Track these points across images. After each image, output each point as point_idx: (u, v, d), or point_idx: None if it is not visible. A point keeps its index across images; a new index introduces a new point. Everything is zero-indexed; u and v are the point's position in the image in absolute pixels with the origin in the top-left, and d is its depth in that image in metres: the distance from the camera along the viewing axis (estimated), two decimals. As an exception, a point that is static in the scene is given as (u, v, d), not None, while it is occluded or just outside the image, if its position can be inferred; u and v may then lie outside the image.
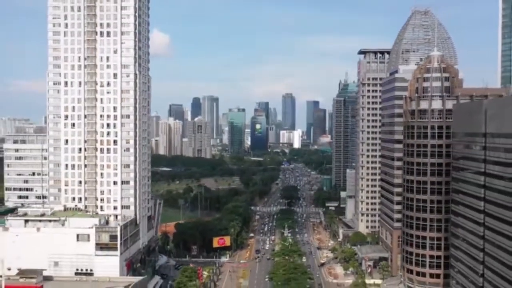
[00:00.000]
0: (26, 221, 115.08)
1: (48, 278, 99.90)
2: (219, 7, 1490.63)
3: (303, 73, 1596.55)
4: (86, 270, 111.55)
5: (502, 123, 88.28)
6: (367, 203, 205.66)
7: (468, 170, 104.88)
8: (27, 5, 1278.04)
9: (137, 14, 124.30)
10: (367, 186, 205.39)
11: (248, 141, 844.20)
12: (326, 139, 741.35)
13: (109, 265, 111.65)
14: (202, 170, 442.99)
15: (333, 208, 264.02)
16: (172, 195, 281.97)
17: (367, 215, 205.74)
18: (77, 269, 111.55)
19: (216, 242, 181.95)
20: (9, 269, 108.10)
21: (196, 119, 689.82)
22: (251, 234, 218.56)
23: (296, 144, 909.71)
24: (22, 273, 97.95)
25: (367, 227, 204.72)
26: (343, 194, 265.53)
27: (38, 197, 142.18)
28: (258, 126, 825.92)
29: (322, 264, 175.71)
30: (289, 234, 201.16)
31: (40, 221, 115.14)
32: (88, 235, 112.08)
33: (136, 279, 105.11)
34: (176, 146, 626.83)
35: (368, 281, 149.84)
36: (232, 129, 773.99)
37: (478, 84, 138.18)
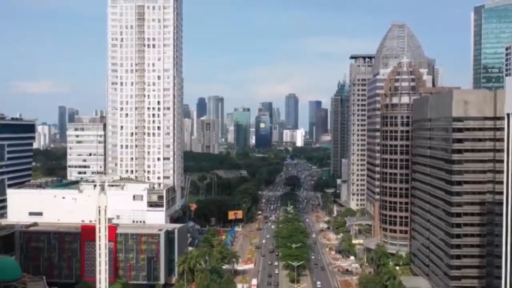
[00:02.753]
0: (95, 186, 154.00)
1: (117, 224, 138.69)
2: (223, 10, 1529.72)
3: (306, 74, 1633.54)
4: (140, 221, 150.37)
5: (438, 111, 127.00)
6: (357, 185, 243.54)
7: (420, 147, 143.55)
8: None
9: (174, 31, 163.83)
10: (357, 170, 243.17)
11: (252, 140, 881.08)
12: (327, 137, 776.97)
13: (157, 217, 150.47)
14: (211, 164, 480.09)
15: (330, 192, 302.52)
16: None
17: (357, 194, 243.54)
18: (133, 221, 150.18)
19: (231, 215, 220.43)
20: (82, 221, 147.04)
21: (203, 117, 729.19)
22: (259, 212, 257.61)
23: (299, 143, 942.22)
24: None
25: (357, 204, 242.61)
26: (339, 181, 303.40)
27: (93, 172, 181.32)
28: (262, 125, 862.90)
29: (321, 231, 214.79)
30: (291, 207, 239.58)
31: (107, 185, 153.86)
32: (142, 196, 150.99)
33: (179, 225, 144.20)
34: (186, 142, 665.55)
35: (354, 241, 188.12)
36: (237, 128, 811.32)
37: (457, 83, 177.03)
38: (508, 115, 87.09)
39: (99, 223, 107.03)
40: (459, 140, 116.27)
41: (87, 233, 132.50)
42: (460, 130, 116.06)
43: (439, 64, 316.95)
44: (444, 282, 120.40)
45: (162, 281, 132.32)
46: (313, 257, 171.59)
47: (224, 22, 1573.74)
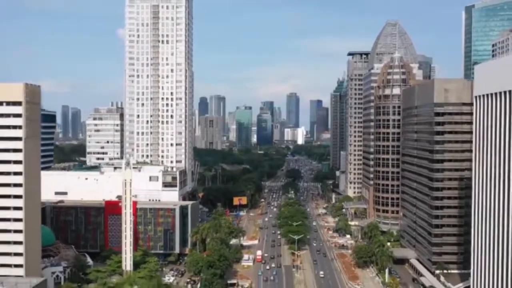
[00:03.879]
0: (115, 168, 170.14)
1: (136, 200, 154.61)
2: (224, 10, 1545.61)
3: (307, 73, 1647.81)
4: (155, 199, 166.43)
5: (422, 99, 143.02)
6: (354, 174, 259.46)
7: (408, 132, 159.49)
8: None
9: (186, 28, 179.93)
10: (354, 160, 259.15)
11: (254, 138, 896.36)
12: (327, 135, 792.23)
13: (171, 196, 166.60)
14: (215, 159, 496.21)
15: (329, 183, 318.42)
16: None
17: (354, 183, 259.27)
18: (149, 199, 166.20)
19: (236, 201, 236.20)
20: (103, 199, 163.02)
21: (206, 115, 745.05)
22: (262, 200, 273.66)
23: (300, 141, 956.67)
24: (119, 197, 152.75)
25: (354, 192, 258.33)
26: (337, 173, 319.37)
27: (110, 158, 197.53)
28: (263, 124, 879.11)
29: (320, 215, 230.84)
30: (292, 192, 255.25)
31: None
32: (157, 177, 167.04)
33: (192, 202, 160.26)
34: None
35: (350, 223, 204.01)
36: (239, 126, 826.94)
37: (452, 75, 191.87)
38: (476, 97, 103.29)
39: (125, 194, 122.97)
40: (440, 123, 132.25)
41: (111, 207, 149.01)
42: (441, 114, 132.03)
43: (435, 62, 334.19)
44: (428, 249, 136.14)
45: (177, 250, 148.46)
46: (312, 237, 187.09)
47: (225, 22, 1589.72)
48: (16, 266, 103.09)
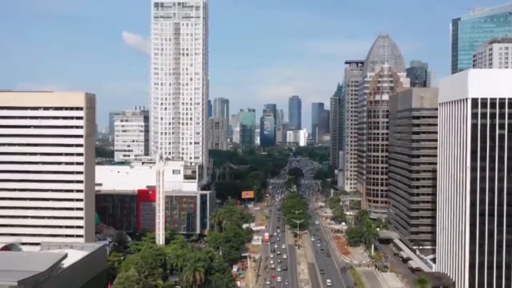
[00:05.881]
0: (143, 163, 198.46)
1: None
2: (228, 12, 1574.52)
3: (309, 76, 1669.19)
4: (178, 189, 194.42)
5: (403, 104, 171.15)
6: (351, 171, 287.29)
7: (394, 132, 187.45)
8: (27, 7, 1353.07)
9: (203, 43, 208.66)
10: (351, 158, 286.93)
11: (257, 140, 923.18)
12: (328, 137, 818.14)
13: (190, 187, 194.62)
14: (221, 159, 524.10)
15: (329, 180, 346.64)
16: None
17: (351, 179, 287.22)
18: (172, 189, 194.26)
19: (244, 194, 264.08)
20: (133, 189, 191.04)
21: (211, 117, 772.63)
22: (267, 194, 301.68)
23: (302, 143, 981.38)
24: (148, 187, 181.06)
25: (350, 187, 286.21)
26: (336, 171, 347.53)
27: (136, 155, 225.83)
28: (266, 126, 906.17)
29: (319, 207, 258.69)
30: (294, 186, 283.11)
31: (150, 163, 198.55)
32: (179, 170, 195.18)
33: (209, 191, 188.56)
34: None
35: (346, 213, 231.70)
36: (243, 128, 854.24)
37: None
38: (439, 104, 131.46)
39: (158, 182, 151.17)
40: (417, 125, 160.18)
41: (142, 195, 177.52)
42: (417, 117, 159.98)
43: (430, 68, 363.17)
44: (407, 230, 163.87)
45: (197, 231, 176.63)
46: (312, 224, 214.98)
47: (228, 25, 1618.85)
48: (77, 236, 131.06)
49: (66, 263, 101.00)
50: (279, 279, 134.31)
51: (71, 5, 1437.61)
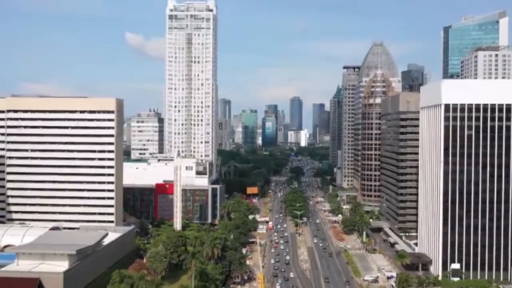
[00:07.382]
0: (158, 160, 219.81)
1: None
2: (229, 13, 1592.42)
3: (310, 77, 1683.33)
4: (190, 184, 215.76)
5: (392, 107, 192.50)
6: (348, 169, 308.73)
7: (385, 133, 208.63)
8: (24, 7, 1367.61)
9: (213, 52, 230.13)
10: (348, 157, 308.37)
11: (259, 140, 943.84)
12: (329, 137, 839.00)
13: (202, 182, 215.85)
14: (224, 159, 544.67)
15: (328, 178, 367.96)
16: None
17: (348, 176, 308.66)
18: (185, 184, 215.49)
19: (248, 190, 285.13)
20: (150, 184, 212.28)
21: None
22: (270, 191, 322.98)
23: (303, 143, 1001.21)
24: (165, 181, 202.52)
25: (347, 184, 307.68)
26: (335, 169, 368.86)
27: (150, 153, 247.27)
28: (268, 126, 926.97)
29: (318, 202, 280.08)
30: (295, 182, 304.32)
31: (165, 160, 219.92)
32: (192, 167, 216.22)
33: (219, 185, 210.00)
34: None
35: (342, 207, 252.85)
36: (245, 129, 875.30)
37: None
38: (421, 108, 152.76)
39: (176, 176, 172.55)
40: (404, 126, 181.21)
41: (160, 189, 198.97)
42: (404, 119, 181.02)
43: (427, 71, 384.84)
44: (396, 220, 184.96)
45: (209, 221, 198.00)
46: (311, 217, 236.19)
47: (230, 27, 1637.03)
48: (109, 222, 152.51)
49: (105, 241, 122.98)
50: (282, 247, 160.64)
51: (71, 5, 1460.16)
